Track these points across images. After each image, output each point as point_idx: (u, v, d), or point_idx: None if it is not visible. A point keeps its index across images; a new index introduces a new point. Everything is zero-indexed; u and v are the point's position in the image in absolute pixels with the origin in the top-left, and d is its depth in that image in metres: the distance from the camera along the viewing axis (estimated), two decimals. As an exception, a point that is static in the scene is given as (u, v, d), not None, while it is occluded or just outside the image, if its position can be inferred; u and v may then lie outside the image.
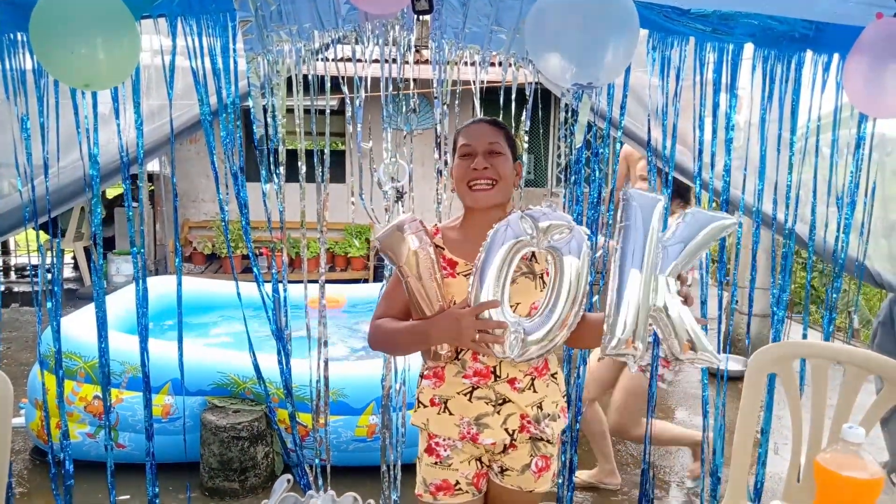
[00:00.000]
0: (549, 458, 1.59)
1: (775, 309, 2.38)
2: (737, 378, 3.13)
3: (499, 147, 1.52)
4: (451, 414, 1.53)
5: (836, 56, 2.15)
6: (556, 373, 1.59)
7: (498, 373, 1.51)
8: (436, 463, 1.55)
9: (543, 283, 1.51)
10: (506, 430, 1.51)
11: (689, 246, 1.33)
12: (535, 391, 1.53)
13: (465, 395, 1.52)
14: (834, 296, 2.41)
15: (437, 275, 1.46)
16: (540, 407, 1.54)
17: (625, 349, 1.33)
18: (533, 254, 1.49)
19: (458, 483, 1.54)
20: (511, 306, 1.41)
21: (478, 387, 1.51)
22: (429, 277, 1.45)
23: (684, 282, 1.38)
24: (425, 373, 1.59)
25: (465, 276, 1.49)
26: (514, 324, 1.36)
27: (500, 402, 1.51)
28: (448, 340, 1.44)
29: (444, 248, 1.54)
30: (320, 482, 2.35)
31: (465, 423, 1.52)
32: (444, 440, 1.54)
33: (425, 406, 1.56)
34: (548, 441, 1.57)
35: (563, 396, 1.62)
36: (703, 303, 2.34)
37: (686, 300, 1.35)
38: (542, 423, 1.54)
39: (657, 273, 1.32)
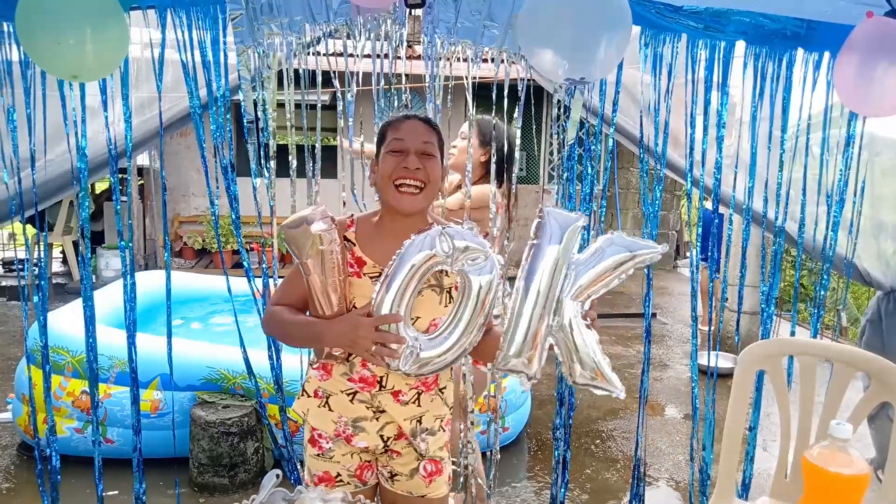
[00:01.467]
0: (440, 462, 1.56)
1: (764, 306, 2.39)
2: (726, 375, 3.15)
3: (432, 149, 1.45)
4: (330, 410, 1.50)
5: (826, 54, 2.16)
6: (444, 387, 1.56)
7: (384, 383, 1.47)
8: (318, 455, 1.53)
9: (450, 297, 1.46)
10: (381, 436, 1.49)
11: (598, 269, 1.29)
12: (418, 405, 1.50)
13: (348, 395, 1.49)
14: (822, 293, 2.43)
15: (340, 277, 1.40)
16: (419, 421, 1.51)
17: (519, 366, 1.30)
18: None
19: (339, 475, 1.53)
20: (412, 319, 1.38)
21: (360, 391, 1.49)
22: (332, 277, 1.39)
23: (593, 305, 1.35)
24: (315, 364, 1.55)
25: (372, 278, 1.43)
26: (412, 338, 1.33)
27: (381, 409, 1.49)
28: (342, 346, 1.40)
29: (354, 244, 1.47)
30: (310, 478, 2.34)
31: (342, 422, 1.49)
32: (322, 432, 1.52)
33: (308, 396, 1.54)
34: (424, 454, 1.54)
35: (450, 409, 1.59)
36: (693, 296, 2.35)
37: (592, 324, 1.32)
38: (416, 439, 1.51)
39: (561, 294, 1.28)
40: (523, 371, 1.31)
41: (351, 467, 1.53)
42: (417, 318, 1.42)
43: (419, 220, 1.47)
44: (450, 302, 1.45)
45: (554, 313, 1.29)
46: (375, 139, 1.55)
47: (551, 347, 1.31)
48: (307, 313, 1.48)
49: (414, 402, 1.49)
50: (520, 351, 1.30)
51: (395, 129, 1.47)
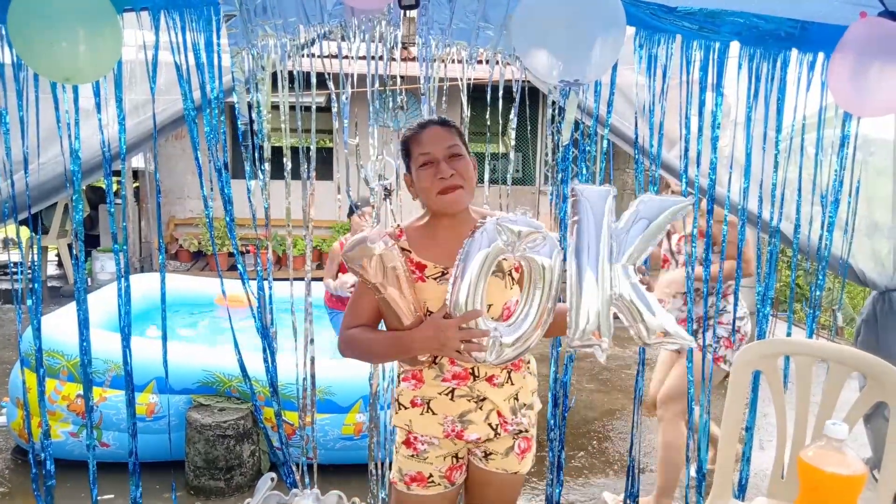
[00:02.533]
0: (531, 439, 1.63)
1: (760, 307, 2.40)
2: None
3: (458, 149, 1.50)
4: (434, 413, 1.55)
5: (820, 55, 2.17)
6: (529, 360, 1.64)
7: (476, 373, 1.53)
8: (412, 455, 1.58)
9: (513, 279, 1.54)
10: (489, 424, 1.55)
11: (644, 232, 1.38)
12: (512, 384, 1.57)
13: (447, 394, 1.54)
14: (818, 294, 2.43)
15: (410, 287, 1.46)
16: (516, 398, 1.58)
17: (591, 340, 1.36)
18: None
19: (431, 476, 1.58)
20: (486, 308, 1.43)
21: (457, 387, 1.54)
22: (405, 288, 1.44)
23: (642, 271, 1.42)
24: (403, 375, 1.60)
25: (435, 279, 1.49)
26: (492, 329, 1.39)
27: (482, 398, 1.54)
28: (431, 351, 1.45)
29: (410, 252, 1.52)
30: (307, 481, 2.34)
31: (448, 422, 1.54)
32: (422, 436, 1.57)
33: (406, 408, 1.58)
34: (527, 429, 1.61)
35: (536, 380, 1.66)
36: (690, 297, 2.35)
37: (648, 287, 1.39)
38: (517, 415, 1.57)
39: (613, 263, 1.36)
40: (596, 344, 1.37)
41: (442, 469, 1.59)
42: (490, 305, 1.47)
43: (465, 214, 1.53)
44: (513, 284, 1.54)
45: (611, 283, 1.35)
46: (399, 152, 1.58)
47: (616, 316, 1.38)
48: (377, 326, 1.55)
49: (508, 383, 1.56)
50: (589, 326, 1.35)
51: (418, 143, 1.51)
